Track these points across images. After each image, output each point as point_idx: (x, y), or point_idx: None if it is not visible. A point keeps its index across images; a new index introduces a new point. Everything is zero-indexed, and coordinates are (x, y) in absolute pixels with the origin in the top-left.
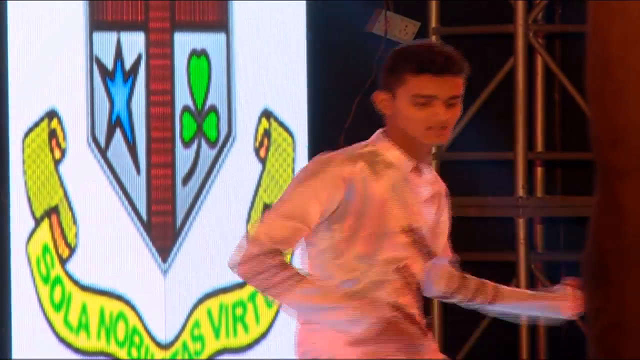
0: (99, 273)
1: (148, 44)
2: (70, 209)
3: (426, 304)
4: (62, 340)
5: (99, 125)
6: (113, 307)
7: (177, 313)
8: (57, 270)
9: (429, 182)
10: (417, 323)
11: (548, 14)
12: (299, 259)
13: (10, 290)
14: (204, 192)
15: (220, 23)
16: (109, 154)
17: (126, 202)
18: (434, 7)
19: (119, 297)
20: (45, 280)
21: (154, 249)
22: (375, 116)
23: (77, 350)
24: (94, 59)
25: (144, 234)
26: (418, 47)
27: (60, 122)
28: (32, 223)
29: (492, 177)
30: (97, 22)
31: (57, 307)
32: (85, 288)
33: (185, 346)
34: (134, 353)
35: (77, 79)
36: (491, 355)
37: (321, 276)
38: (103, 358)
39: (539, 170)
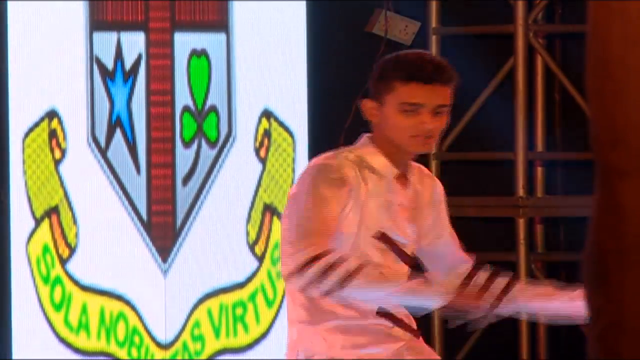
0: (99, 273)
1: (148, 44)
2: (71, 209)
3: None
4: (62, 340)
5: (99, 125)
6: (113, 307)
7: (177, 313)
8: (57, 270)
9: (416, 191)
10: (407, 327)
11: (548, 14)
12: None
13: (11, 290)
14: (204, 192)
15: (220, 23)
16: (109, 154)
17: (126, 202)
18: (434, 7)
19: (119, 297)
20: (46, 280)
21: (154, 249)
22: None
23: (77, 350)
24: (94, 59)
25: (144, 234)
26: (408, 56)
27: (60, 122)
28: (32, 223)
29: (492, 177)
30: (97, 22)
31: (57, 307)
32: (85, 288)
33: (185, 346)
34: (134, 353)
35: (77, 79)
36: (491, 355)
37: None
38: (103, 358)
39: (539, 170)
